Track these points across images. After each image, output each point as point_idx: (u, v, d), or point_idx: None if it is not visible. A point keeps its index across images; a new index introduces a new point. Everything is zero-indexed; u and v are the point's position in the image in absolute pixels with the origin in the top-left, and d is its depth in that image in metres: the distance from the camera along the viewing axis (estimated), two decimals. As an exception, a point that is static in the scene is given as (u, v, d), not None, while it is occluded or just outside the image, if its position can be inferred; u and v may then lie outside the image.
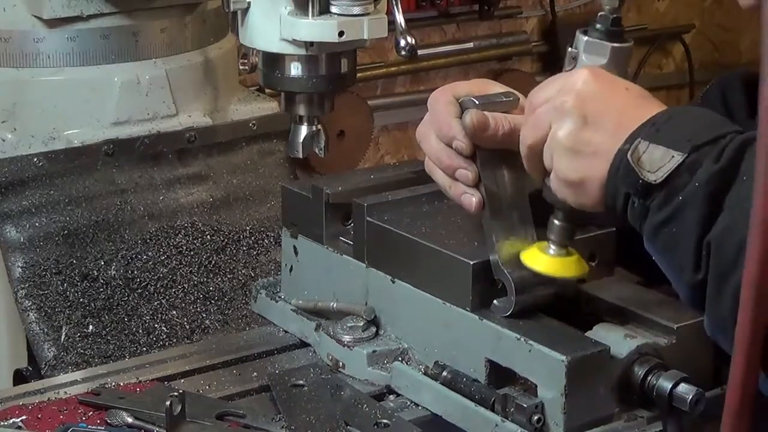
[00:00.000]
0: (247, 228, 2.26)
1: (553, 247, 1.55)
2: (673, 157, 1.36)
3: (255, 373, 1.77)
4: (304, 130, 2.01)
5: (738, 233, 1.28)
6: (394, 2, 1.95)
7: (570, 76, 1.48)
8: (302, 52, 1.92)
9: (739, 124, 1.51)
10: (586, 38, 1.53)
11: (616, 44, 1.54)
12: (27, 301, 2.04)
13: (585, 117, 1.44)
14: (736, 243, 1.29)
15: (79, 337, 2.02)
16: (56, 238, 2.10)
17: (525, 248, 1.58)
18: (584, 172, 1.45)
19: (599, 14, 1.52)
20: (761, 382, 1.20)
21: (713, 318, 1.35)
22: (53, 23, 2.13)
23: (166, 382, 1.73)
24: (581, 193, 1.47)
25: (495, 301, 1.59)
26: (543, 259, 1.55)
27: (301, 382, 1.70)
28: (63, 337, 2.01)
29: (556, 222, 1.55)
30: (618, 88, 1.47)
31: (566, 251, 1.56)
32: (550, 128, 1.47)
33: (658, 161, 1.37)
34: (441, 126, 1.60)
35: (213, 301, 2.13)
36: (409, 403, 1.68)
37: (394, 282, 1.72)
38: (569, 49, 1.55)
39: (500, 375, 1.58)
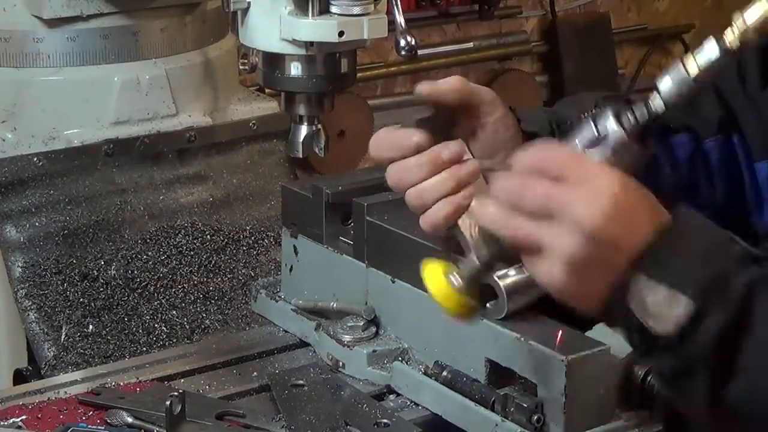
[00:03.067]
0: (247, 228, 2.26)
1: (455, 277, 1.37)
2: (678, 301, 1.22)
3: (255, 373, 1.77)
4: (304, 130, 2.01)
5: (759, 399, 1.20)
6: (394, 2, 1.94)
7: (593, 182, 1.24)
8: (302, 52, 1.92)
9: (751, 95, 1.47)
10: (621, 133, 1.28)
11: (643, 150, 1.30)
12: (27, 301, 2.04)
13: (603, 241, 1.24)
14: (760, 407, 1.21)
15: (79, 337, 2.02)
16: (56, 238, 2.10)
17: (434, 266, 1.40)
18: (581, 291, 1.27)
19: (633, 107, 1.27)
20: None
21: None
22: (53, 23, 2.13)
23: (166, 382, 1.73)
24: (571, 301, 1.30)
25: (488, 305, 1.54)
26: (439, 281, 1.38)
27: (301, 382, 1.70)
28: (63, 337, 2.01)
29: (475, 259, 1.37)
30: (642, 205, 1.26)
31: (465, 289, 1.37)
32: (554, 234, 1.26)
33: (663, 305, 1.23)
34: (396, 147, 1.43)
35: (213, 301, 2.13)
36: (409, 403, 1.68)
37: (394, 282, 1.72)
38: (586, 125, 1.29)
39: (500, 375, 1.58)
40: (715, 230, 1.28)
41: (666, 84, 1.25)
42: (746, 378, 1.21)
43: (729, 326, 1.21)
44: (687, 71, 1.24)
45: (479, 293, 1.39)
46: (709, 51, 1.24)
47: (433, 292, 1.37)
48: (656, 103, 1.26)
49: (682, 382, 1.25)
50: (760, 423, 1.21)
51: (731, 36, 1.22)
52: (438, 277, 1.37)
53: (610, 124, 1.27)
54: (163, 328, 2.06)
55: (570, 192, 1.24)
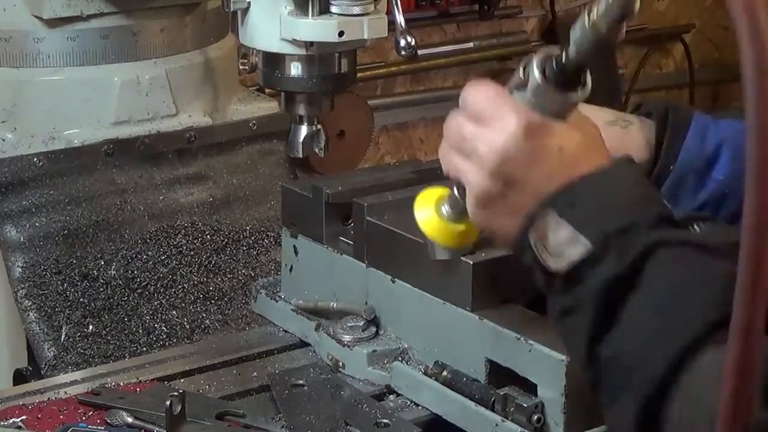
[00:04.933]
0: (247, 228, 2.26)
1: (447, 208, 1.44)
2: (578, 243, 1.26)
3: (255, 373, 1.77)
4: (304, 130, 2.02)
5: (625, 359, 1.22)
6: (394, 2, 1.95)
7: (497, 123, 1.32)
8: (302, 52, 1.92)
9: None
10: (537, 78, 1.32)
11: (569, 97, 1.33)
12: (27, 301, 2.04)
13: (505, 178, 1.32)
14: (623, 370, 1.23)
15: (79, 337, 2.02)
16: (56, 238, 2.10)
17: (430, 192, 1.47)
18: (494, 225, 1.37)
19: (559, 56, 1.31)
20: None
21: (607, 419, 1.30)
22: (53, 23, 2.13)
23: (166, 382, 1.73)
24: (490, 236, 1.42)
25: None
26: (430, 214, 1.44)
27: (301, 382, 1.70)
28: (63, 337, 2.01)
29: (455, 192, 1.43)
30: (551, 148, 1.32)
31: (459, 218, 1.43)
32: (468, 170, 1.36)
33: (563, 245, 1.27)
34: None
35: (213, 301, 2.13)
36: (409, 403, 1.68)
37: (394, 282, 1.72)
38: (516, 72, 1.35)
39: (500, 375, 1.58)
40: (642, 187, 1.33)
41: (575, 33, 1.29)
42: (620, 332, 1.23)
43: (617, 278, 1.24)
44: (587, 19, 1.27)
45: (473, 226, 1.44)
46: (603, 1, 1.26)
47: (428, 233, 1.45)
48: (570, 50, 1.30)
49: (567, 321, 1.29)
50: (624, 377, 1.23)
51: None
52: (428, 206, 1.45)
53: (531, 69, 1.32)
54: (163, 328, 2.06)
55: (479, 130, 1.34)
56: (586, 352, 1.27)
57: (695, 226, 1.49)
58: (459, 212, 1.43)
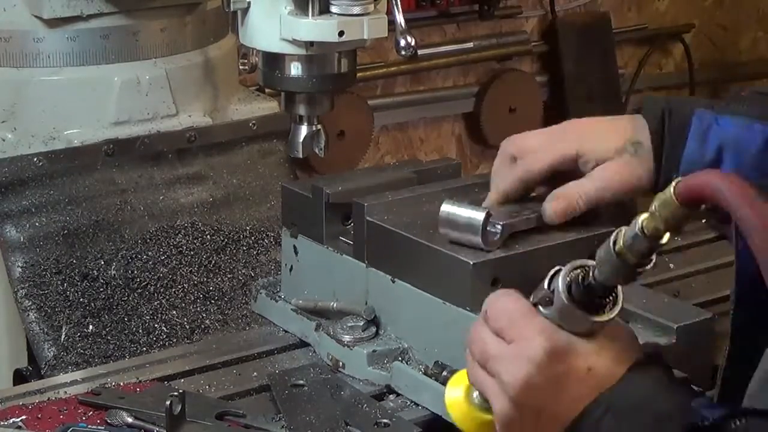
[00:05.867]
0: (247, 228, 2.26)
1: (477, 394, 1.39)
2: None
3: (255, 373, 1.77)
4: (304, 130, 2.01)
5: None
6: (394, 2, 1.94)
7: (523, 345, 1.28)
8: (302, 51, 1.92)
9: None
10: (564, 301, 1.28)
11: (597, 319, 1.28)
12: (27, 301, 2.04)
13: (530, 408, 1.28)
14: None
15: (79, 337, 2.02)
16: (56, 238, 2.10)
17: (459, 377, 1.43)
18: None
19: (586, 278, 1.27)
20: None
21: None
22: (53, 23, 2.13)
23: (166, 382, 1.73)
24: None
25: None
26: (458, 395, 1.41)
27: (301, 382, 1.70)
28: (63, 337, 2.01)
29: None
30: (579, 371, 1.27)
31: (488, 407, 1.37)
32: (493, 392, 1.32)
33: None
34: None
35: (213, 301, 2.13)
36: (409, 403, 1.68)
37: (394, 282, 1.72)
38: (542, 286, 1.31)
39: (500, 375, 1.58)
40: (660, 401, 1.26)
41: (600, 254, 1.26)
42: None
43: None
44: (612, 246, 1.24)
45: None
46: (630, 230, 1.23)
47: (455, 419, 1.40)
48: (597, 272, 1.26)
49: None
50: None
51: (648, 220, 1.21)
52: (459, 387, 1.40)
53: (557, 286, 1.28)
54: (163, 328, 2.06)
55: (501, 351, 1.29)
56: None
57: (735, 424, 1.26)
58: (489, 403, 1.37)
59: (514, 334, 1.29)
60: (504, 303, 1.33)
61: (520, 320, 1.30)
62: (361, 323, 1.74)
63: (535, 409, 1.27)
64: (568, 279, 1.28)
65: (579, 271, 1.28)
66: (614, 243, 1.24)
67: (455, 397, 1.40)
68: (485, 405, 1.36)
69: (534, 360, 1.26)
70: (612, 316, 1.28)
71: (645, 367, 1.29)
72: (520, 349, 1.28)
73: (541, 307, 1.30)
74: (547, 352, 1.26)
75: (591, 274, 1.27)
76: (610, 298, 1.28)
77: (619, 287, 1.27)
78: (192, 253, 2.18)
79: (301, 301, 1.87)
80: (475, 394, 1.39)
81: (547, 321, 1.29)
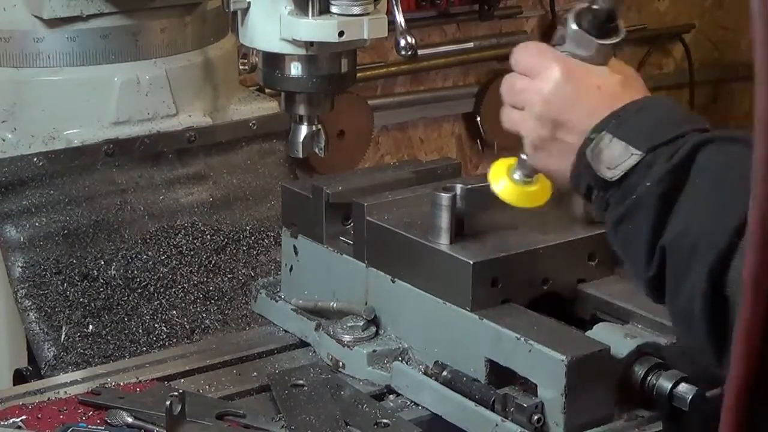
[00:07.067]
0: (247, 228, 2.26)
1: (518, 172, 1.56)
2: (631, 155, 1.38)
3: (255, 373, 1.77)
4: (304, 130, 2.01)
5: (689, 237, 1.30)
6: (394, 2, 1.94)
7: (542, 73, 1.49)
8: (302, 52, 1.92)
9: None
10: (573, 27, 1.50)
11: (602, 41, 1.49)
12: (27, 301, 2.04)
13: (552, 121, 1.47)
14: (688, 247, 1.30)
15: (79, 337, 2.02)
16: (56, 238, 2.10)
17: (500, 164, 1.59)
18: (552, 166, 1.50)
19: (592, 6, 1.49)
20: None
21: (674, 311, 1.37)
22: (53, 23, 2.13)
23: (166, 382, 1.74)
24: (550, 177, 1.54)
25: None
26: (504, 182, 1.57)
27: (301, 382, 1.70)
28: (63, 337, 2.01)
29: (523, 156, 1.55)
30: (590, 87, 1.47)
31: (532, 179, 1.56)
32: (521, 119, 1.51)
33: (617, 158, 1.39)
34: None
35: (213, 301, 2.13)
36: (409, 403, 1.68)
37: (394, 282, 1.72)
38: (559, 27, 1.54)
39: (500, 375, 1.58)
40: (683, 111, 1.46)
41: None
42: (683, 212, 1.33)
43: (672, 170, 1.35)
44: None
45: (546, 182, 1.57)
46: None
47: (504, 197, 1.57)
48: (600, 2, 1.47)
49: (624, 228, 1.39)
50: (690, 254, 1.30)
51: None
52: (502, 180, 1.57)
53: (569, 22, 1.49)
54: (163, 328, 2.06)
55: (528, 82, 1.50)
56: (647, 248, 1.35)
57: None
58: (529, 172, 1.55)
59: (536, 67, 1.49)
60: (525, 48, 1.53)
61: (538, 56, 1.50)
62: (361, 323, 1.74)
63: (556, 122, 1.46)
64: (577, 12, 1.48)
65: (585, 6, 1.48)
66: None
67: (503, 185, 1.56)
68: (527, 179, 1.56)
69: (552, 79, 1.47)
70: (614, 41, 1.48)
71: (653, 98, 1.47)
72: (541, 77, 1.48)
73: (557, 46, 1.50)
74: (563, 72, 1.47)
75: (595, 1, 1.47)
76: (615, 27, 1.48)
77: (620, 22, 1.48)
78: (192, 253, 2.18)
79: (301, 301, 1.87)
80: (516, 174, 1.55)
81: (563, 53, 1.49)
